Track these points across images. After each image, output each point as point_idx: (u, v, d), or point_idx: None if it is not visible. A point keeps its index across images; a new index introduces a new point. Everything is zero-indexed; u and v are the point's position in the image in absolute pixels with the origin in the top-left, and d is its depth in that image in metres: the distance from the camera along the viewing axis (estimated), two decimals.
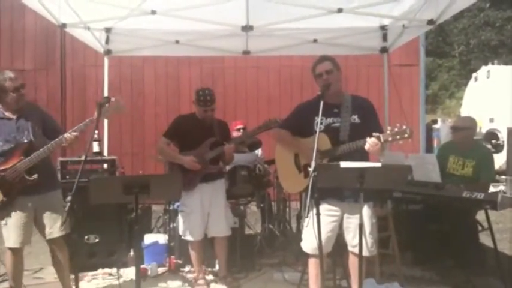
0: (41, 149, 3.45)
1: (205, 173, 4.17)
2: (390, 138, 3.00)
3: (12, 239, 3.53)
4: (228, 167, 4.91)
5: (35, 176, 3.46)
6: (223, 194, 4.37)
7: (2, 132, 3.51)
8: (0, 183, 3.43)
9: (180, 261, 4.76)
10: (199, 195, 4.18)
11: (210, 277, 4.48)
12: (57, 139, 3.44)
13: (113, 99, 3.44)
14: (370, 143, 3.03)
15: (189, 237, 4.23)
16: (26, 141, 3.52)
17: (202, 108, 4.17)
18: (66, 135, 3.44)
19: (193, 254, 4.30)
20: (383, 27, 5.46)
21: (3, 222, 3.54)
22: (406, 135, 2.96)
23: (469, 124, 4.76)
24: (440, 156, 4.79)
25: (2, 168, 3.45)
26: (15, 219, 3.51)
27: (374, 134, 3.04)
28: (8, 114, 3.56)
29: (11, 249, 3.57)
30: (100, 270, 4.64)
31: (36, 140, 3.54)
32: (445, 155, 4.80)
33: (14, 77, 3.49)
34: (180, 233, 4.32)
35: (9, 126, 3.53)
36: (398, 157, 4.43)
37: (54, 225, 3.59)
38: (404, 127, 2.97)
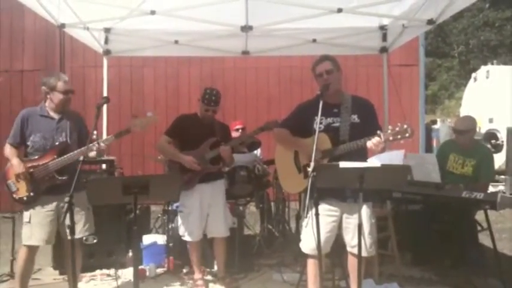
0: (73, 152, 3.53)
1: (204, 173, 4.16)
2: (391, 138, 2.98)
3: (35, 236, 3.56)
4: (227, 168, 4.90)
5: (65, 177, 3.54)
6: (223, 194, 4.35)
7: (42, 129, 3.63)
8: (29, 178, 3.50)
9: (179, 262, 4.75)
10: (199, 195, 4.17)
11: (208, 277, 4.47)
12: (91, 144, 3.50)
13: (149, 113, 3.68)
14: (374, 142, 3.02)
15: (188, 238, 4.22)
16: (62, 141, 3.63)
17: (205, 106, 4.17)
18: (100, 143, 3.55)
19: (192, 255, 4.29)
20: (382, 27, 5.46)
21: (25, 219, 3.58)
22: (407, 135, 2.95)
23: (472, 126, 4.76)
24: (441, 154, 4.81)
25: (35, 164, 3.55)
26: (40, 217, 3.57)
27: (377, 132, 3.03)
28: (51, 114, 3.69)
29: (29, 247, 3.59)
30: (98, 271, 4.63)
31: (71, 143, 3.65)
32: (446, 152, 4.81)
33: (68, 81, 3.71)
34: (180, 233, 4.31)
35: (51, 125, 3.66)
36: (397, 156, 4.42)
37: (76, 226, 3.58)
38: (405, 126, 2.96)
